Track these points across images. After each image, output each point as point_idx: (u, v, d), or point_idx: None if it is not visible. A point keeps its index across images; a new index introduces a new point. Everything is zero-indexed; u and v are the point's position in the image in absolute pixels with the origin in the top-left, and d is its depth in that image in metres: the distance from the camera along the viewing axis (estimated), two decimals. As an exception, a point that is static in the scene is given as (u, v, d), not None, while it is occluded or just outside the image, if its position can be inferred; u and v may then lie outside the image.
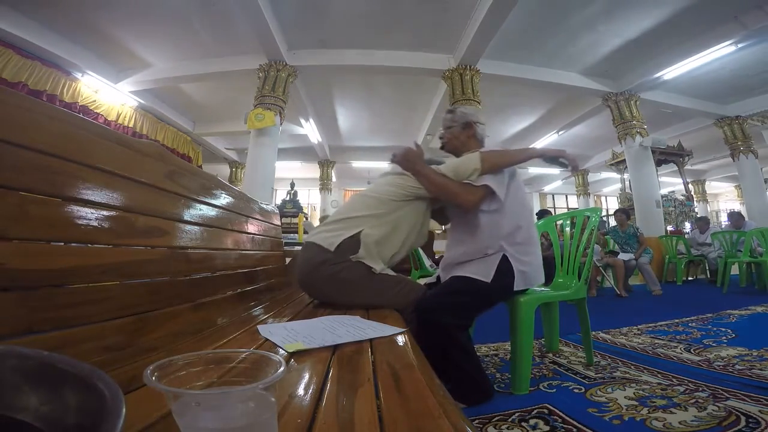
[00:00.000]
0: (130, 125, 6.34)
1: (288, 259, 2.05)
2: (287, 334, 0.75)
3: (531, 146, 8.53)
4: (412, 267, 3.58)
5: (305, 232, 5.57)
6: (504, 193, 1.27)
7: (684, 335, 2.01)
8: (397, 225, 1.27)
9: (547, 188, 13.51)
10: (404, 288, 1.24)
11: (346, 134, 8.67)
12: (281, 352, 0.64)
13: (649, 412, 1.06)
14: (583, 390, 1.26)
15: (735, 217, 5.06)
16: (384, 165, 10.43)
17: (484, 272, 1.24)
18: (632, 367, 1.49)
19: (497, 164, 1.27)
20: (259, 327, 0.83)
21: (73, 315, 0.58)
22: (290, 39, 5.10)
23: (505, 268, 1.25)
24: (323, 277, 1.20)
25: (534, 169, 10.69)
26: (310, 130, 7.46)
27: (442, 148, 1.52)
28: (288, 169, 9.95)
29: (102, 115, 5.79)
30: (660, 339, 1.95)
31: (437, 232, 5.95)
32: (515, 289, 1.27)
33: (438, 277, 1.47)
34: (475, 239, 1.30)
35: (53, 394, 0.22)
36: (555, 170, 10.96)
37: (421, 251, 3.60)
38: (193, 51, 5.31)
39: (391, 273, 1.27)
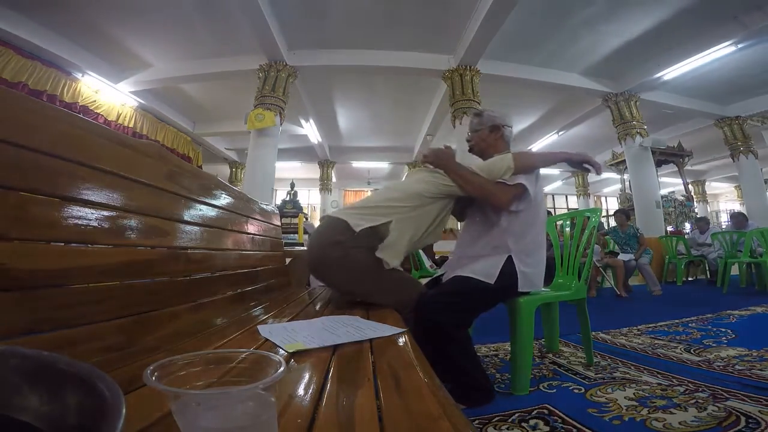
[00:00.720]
0: (130, 125, 6.34)
1: (288, 259, 2.04)
2: (287, 334, 0.75)
3: (528, 148, 8.56)
4: (412, 267, 3.58)
5: (305, 232, 5.57)
6: (534, 193, 1.29)
7: (684, 335, 2.01)
8: (421, 221, 1.28)
9: (547, 188, 13.51)
10: (406, 285, 1.24)
11: (346, 134, 8.67)
12: (281, 352, 0.64)
13: (649, 413, 1.06)
14: (583, 390, 1.26)
15: (738, 217, 5.04)
16: (384, 165, 10.47)
17: (487, 273, 1.24)
18: (632, 367, 1.49)
19: (529, 164, 1.29)
20: (259, 327, 0.83)
21: (73, 315, 0.58)
22: (290, 39, 5.10)
23: (508, 270, 1.25)
24: (333, 257, 1.20)
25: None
26: (310, 131, 7.47)
27: (470, 150, 1.52)
28: (288, 170, 9.95)
29: (102, 115, 5.79)
30: (660, 339, 1.95)
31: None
32: (519, 290, 1.28)
33: (439, 276, 1.47)
34: (489, 236, 1.32)
35: (53, 394, 0.22)
36: (555, 170, 11.01)
37: (421, 251, 3.60)
38: (193, 51, 5.32)
39: (399, 269, 1.27)
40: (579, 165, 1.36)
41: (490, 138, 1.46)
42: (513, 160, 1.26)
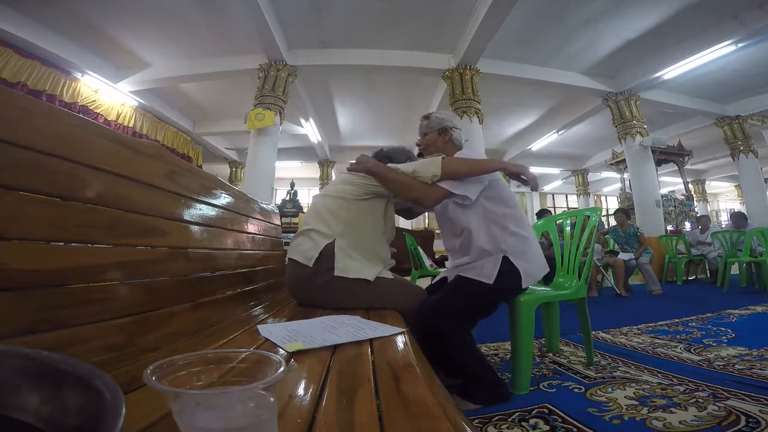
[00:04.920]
0: (130, 125, 6.33)
1: (288, 259, 2.04)
2: (287, 334, 0.75)
3: (529, 147, 8.56)
4: (412, 267, 3.58)
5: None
6: (475, 192, 1.27)
7: (684, 335, 2.01)
8: (359, 224, 1.27)
9: (547, 188, 13.50)
10: (402, 291, 1.23)
11: (346, 134, 8.67)
12: (281, 352, 0.64)
13: (649, 412, 1.06)
14: (583, 390, 1.26)
15: (738, 217, 5.04)
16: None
17: (485, 274, 1.24)
18: (632, 366, 1.49)
19: (457, 172, 1.27)
20: (259, 327, 0.83)
21: (73, 315, 0.58)
22: (290, 38, 5.10)
23: (506, 269, 1.24)
24: (314, 287, 1.20)
25: (534, 169, 10.69)
26: (310, 130, 7.46)
27: (419, 155, 1.51)
28: (288, 169, 9.94)
29: (102, 115, 5.78)
30: (660, 339, 1.95)
31: (437, 231, 5.95)
32: (523, 286, 1.27)
33: (440, 280, 1.47)
34: (476, 241, 1.30)
35: (53, 394, 0.22)
36: (555, 170, 11.04)
37: (421, 250, 3.60)
38: (193, 50, 5.31)
39: (389, 276, 1.26)
40: (516, 177, 1.31)
41: (439, 141, 1.45)
42: (441, 167, 1.25)
